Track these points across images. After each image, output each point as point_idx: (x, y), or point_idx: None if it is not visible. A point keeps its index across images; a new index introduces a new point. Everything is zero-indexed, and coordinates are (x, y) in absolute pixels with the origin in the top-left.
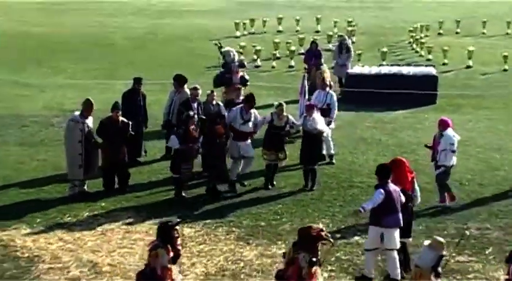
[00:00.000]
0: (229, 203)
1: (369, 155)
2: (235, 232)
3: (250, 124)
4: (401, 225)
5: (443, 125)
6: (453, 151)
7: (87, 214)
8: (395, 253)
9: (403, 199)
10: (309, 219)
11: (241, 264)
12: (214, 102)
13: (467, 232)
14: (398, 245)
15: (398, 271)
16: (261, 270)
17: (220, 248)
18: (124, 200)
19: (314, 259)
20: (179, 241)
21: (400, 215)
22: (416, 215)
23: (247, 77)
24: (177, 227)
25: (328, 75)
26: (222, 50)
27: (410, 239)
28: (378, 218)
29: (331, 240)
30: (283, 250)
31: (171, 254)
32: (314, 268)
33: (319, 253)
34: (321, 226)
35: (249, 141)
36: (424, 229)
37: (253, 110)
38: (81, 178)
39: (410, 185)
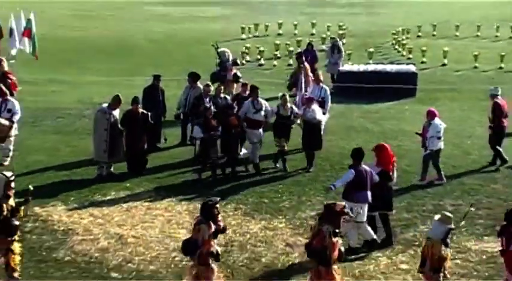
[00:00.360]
0: (236, 184)
1: (358, 141)
2: (242, 208)
3: (262, 113)
4: (369, 201)
5: (431, 115)
6: (439, 138)
7: (114, 192)
8: (365, 223)
9: (375, 178)
10: (306, 197)
11: (247, 236)
12: (222, 95)
13: (472, 208)
14: (365, 218)
15: (372, 232)
16: (264, 241)
17: (229, 222)
18: (146, 181)
19: (336, 231)
20: (220, 218)
21: (369, 192)
22: (399, 193)
23: (239, 74)
24: (217, 205)
25: (309, 72)
26: (219, 50)
27: (393, 212)
28: (349, 194)
29: (352, 215)
30: (283, 224)
31: (213, 229)
32: (335, 239)
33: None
34: (343, 203)
35: (261, 130)
36: (405, 205)
37: (263, 101)
38: (106, 161)
39: (391, 167)
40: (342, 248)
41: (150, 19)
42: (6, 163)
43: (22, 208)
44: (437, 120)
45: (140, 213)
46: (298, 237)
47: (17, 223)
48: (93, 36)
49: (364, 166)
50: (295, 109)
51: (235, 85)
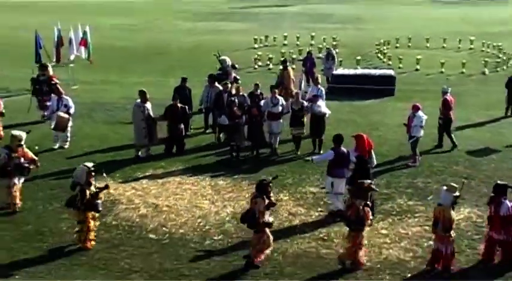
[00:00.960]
0: (251, 165)
1: (347, 131)
2: (253, 184)
3: (279, 107)
4: (346, 177)
5: (415, 108)
6: (421, 126)
7: (151, 170)
8: (340, 197)
9: (352, 158)
10: (305, 175)
11: None
12: (241, 93)
13: (465, 181)
14: (343, 191)
15: (340, 205)
16: (272, 210)
17: (244, 195)
18: (177, 161)
19: (368, 203)
20: (272, 194)
21: (346, 170)
22: (379, 173)
23: (238, 77)
24: (270, 184)
25: (292, 74)
26: (220, 58)
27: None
28: (330, 170)
29: (377, 189)
30: (287, 197)
31: (266, 202)
32: (367, 209)
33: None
34: (368, 181)
35: (281, 120)
36: (385, 182)
37: (280, 97)
38: (146, 144)
39: (367, 153)
40: (371, 217)
41: (181, 32)
42: (66, 146)
43: (102, 192)
44: (420, 113)
45: (172, 187)
46: (299, 208)
47: (99, 202)
48: (135, 45)
49: (343, 149)
50: (306, 103)
51: (234, 85)
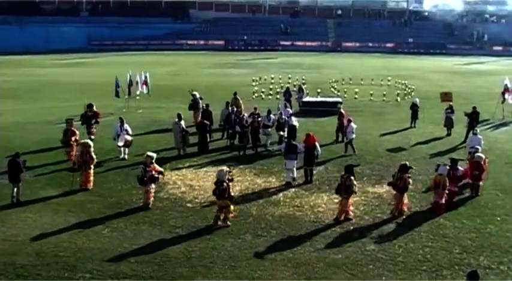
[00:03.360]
0: (251, 158)
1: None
2: (253, 171)
3: (270, 121)
4: (294, 159)
5: (349, 121)
6: (353, 132)
7: (187, 163)
8: (293, 171)
9: (300, 147)
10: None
11: (256, 185)
12: (242, 113)
13: (440, 163)
14: (293, 168)
15: (290, 178)
16: (264, 188)
17: (246, 179)
18: (204, 157)
19: (409, 175)
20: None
21: (295, 155)
22: (333, 163)
23: (204, 105)
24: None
25: (241, 102)
26: (192, 93)
27: (313, 167)
28: (285, 155)
29: (415, 168)
30: (274, 179)
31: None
32: (409, 180)
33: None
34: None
35: (270, 129)
36: (337, 169)
37: (272, 115)
38: (181, 147)
39: (312, 145)
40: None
41: (204, 75)
42: (126, 157)
43: (230, 184)
44: (352, 124)
45: (201, 174)
46: (283, 187)
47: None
48: (177, 84)
49: (294, 142)
50: (286, 118)
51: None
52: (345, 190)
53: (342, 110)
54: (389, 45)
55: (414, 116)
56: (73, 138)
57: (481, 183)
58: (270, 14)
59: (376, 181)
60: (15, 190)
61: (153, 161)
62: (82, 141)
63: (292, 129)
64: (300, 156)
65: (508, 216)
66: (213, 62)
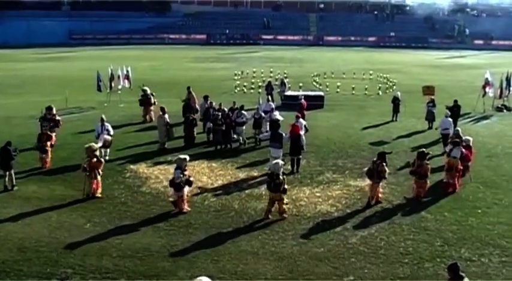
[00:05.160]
0: (233, 152)
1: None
2: (235, 165)
3: (243, 118)
4: (279, 148)
5: (297, 117)
6: (305, 127)
7: (170, 157)
8: (279, 161)
9: (286, 138)
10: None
11: (239, 179)
12: (217, 107)
13: (391, 151)
14: (279, 156)
15: (277, 169)
16: (247, 179)
17: (229, 173)
18: (187, 151)
19: (428, 162)
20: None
21: (279, 144)
22: (314, 157)
23: (156, 101)
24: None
25: (195, 96)
26: (143, 88)
27: (300, 156)
28: (271, 143)
29: (430, 152)
30: (257, 172)
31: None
32: (429, 166)
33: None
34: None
35: (244, 127)
36: (318, 163)
37: (244, 112)
38: (165, 141)
39: (296, 134)
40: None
41: (188, 69)
42: (107, 158)
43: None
44: (301, 120)
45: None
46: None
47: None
48: (159, 78)
49: (280, 131)
50: (263, 114)
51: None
52: (377, 175)
53: (303, 100)
54: (371, 39)
55: (396, 110)
56: (48, 144)
57: (470, 163)
58: (252, 7)
59: (358, 175)
60: (7, 178)
61: (186, 164)
62: (86, 145)
63: (276, 123)
64: (286, 148)
65: (488, 209)
66: (195, 56)
